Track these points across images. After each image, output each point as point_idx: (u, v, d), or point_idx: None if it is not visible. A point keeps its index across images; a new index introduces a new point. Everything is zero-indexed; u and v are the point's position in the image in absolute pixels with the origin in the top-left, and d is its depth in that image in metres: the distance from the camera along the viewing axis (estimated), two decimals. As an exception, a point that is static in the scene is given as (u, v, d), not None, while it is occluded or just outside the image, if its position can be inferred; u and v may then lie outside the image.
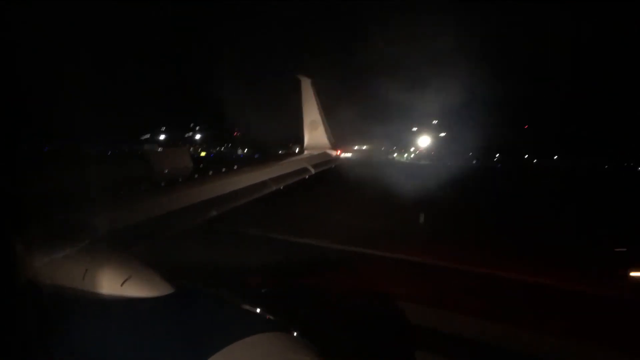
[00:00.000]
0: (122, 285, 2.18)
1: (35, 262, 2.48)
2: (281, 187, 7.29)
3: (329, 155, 11.68)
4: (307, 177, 8.75)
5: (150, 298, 2.11)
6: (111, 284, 2.21)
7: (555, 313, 8.92)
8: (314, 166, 9.41)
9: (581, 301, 9.66)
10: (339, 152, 12.26)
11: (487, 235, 16.27)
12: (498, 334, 7.88)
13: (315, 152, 11.51)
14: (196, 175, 7.13)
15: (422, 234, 16.47)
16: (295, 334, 1.94)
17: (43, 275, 2.41)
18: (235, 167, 7.67)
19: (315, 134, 12.68)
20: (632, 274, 11.15)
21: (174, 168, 7.70)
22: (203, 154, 67.24)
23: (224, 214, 5.25)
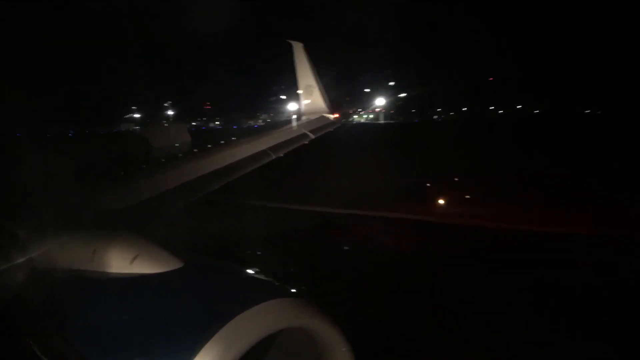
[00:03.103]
0: (131, 263, 2.19)
1: (37, 248, 2.49)
2: (281, 155, 7.25)
3: (327, 119, 11.57)
4: (306, 142, 8.70)
5: (159, 273, 2.12)
6: (120, 262, 2.22)
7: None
8: (313, 131, 9.34)
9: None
10: (337, 115, 12.13)
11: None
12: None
13: (313, 117, 11.40)
14: (195, 150, 7.10)
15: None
16: (306, 299, 1.96)
17: (46, 260, 2.43)
18: (234, 138, 7.64)
19: (311, 99, 12.52)
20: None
21: (172, 143, 7.67)
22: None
23: (225, 186, 5.25)
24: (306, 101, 12.61)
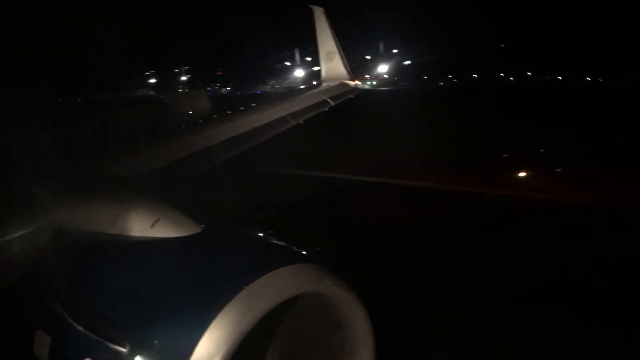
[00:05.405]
0: (152, 227, 2.22)
1: (60, 211, 2.54)
2: (301, 122, 7.22)
3: (347, 85, 11.40)
4: (326, 109, 8.63)
5: (179, 238, 2.16)
6: (141, 226, 2.25)
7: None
8: (333, 98, 9.24)
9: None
10: (356, 81, 11.95)
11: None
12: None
13: (334, 84, 11.24)
14: (215, 116, 7.10)
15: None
16: (322, 265, 1.97)
17: (70, 223, 2.48)
18: (253, 104, 7.63)
19: (331, 65, 12.31)
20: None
21: (192, 110, 7.68)
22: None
23: (244, 153, 5.26)
24: (327, 67, 12.42)
